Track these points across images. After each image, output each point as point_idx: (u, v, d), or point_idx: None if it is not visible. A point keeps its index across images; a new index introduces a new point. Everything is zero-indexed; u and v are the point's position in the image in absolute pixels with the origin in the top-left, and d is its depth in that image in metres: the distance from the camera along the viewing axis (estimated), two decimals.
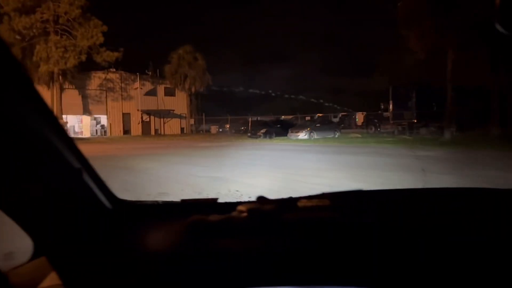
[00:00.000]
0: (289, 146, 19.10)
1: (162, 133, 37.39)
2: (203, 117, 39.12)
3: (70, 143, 0.86)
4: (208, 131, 39.35)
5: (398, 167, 9.43)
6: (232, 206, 0.97)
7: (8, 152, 0.75)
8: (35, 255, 0.93)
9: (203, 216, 0.89)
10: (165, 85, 38.05)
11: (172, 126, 38.23)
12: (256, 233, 0.86)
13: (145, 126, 36.81)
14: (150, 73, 37.60)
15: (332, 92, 50.80)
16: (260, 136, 26.00)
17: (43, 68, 26.08)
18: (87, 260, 0.86)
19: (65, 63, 26.35)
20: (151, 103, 37.08)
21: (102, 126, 35.24)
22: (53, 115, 0.80)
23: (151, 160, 12.62)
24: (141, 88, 36.20)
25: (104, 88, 34.73)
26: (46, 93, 29.48)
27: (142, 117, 36.42)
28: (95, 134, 35.14)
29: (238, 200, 1.04)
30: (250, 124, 34.25)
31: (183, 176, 8.48)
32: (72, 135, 31.64)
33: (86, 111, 34.27)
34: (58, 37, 26.67)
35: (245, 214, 0.91)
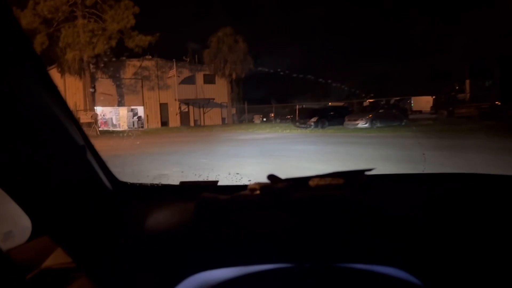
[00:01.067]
0: (351, 138, 15.30)
1: (202, 124, 34.64)
2: (245, 105, 35.88)
3: (74, 120, 0.87)
4: (251, 120, 36.10)
5: None
6: (232, 189, 0.95)
7: (9, 126, 0.73)
8: (33, 235, 0.92)
9: (213, 194, 0.88)
10: (204, 72, 35.15)
11: (212, 116, 35.35)
12: (269, 210, 0.85)
13: (184, 116, 34.19)
14: (188, 59, 34.83)
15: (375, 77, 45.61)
16: (310, 125, 22.30)
17: (69, 54, 23.90)
18: (90, 238, 0.85)
19: (93, 49, 23.98)
20: (190, 92, 34.35)
21: (139, 118, 33.01)
22: (58, 91, 0.81)
23: (173, 162, 9.44)
24: (179, 76, 33.50)
25: (140, 77, 32.36)
26: (78, 83, 27.48)
27: (180, 107, 33.80)
28: (132, 126, 33.02)
29: (238, 183, 0.99)
30: (297, 112, 30.57)
31: None
32: (110, 128, 29.87)
33: (122, 102, 32.12)
34: (85, 21, 24.32)
35: (257, 192, 0.89)
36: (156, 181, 1.27)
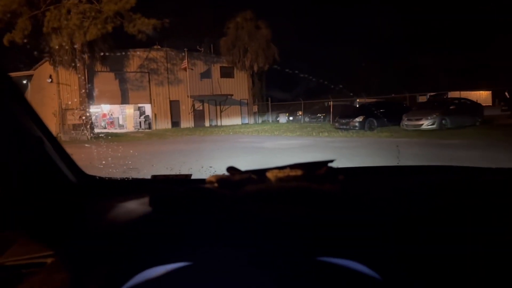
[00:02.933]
0: (434, 148, 10.30)
1: (219, 124, 30.07)
2: (269, 102, 30.97)
3: (29, 109, 0.85)
4: (275, 120, 31.29)
5: None
6: (204, 182, 0.93)
7: None
8: None
9: (171, 188, 0.87)
10: (221, 64, 30.51)
11: (231, 114, 30.72)
12: (225, 203, 0.82)
13: (198, 115, 29.63)
14: (202, 49, 30.25)
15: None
16: (354, 126, 17.36)
17: (54, 41, 19.58)
18: (49, 232, 0.83)
19: (85, 35, 19.59)
20: (205, 87, 29.79)
21: (146, 118, 28.61)
22: (10, 80, 0.79)
23: None
24: (192, 69, 28.98)
25: (146, 70, 27.94)
26: (73, 78, 23.24)
27: (193, 105, 29.28)
28: (138, 127, 28.75)
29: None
30: (331, 110, 25.59)
31: None
32: (116, 129, 25.77)
33: (126, 99, 27.78)
34: (76, 1, 19.97)
35: (215, 184, 0.87)
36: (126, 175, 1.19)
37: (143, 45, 27.83)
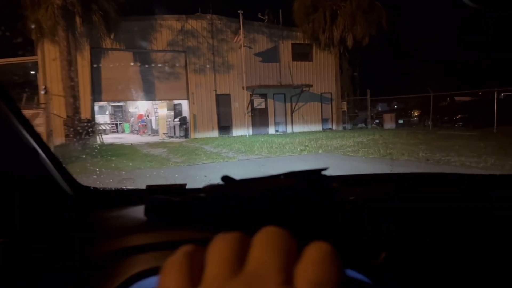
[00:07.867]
0: None
1: (289, 130, 20.06)
2: (368, 97, 20.13)
3: (23, 120, 0.84)
4: (376, 122, 20.53)
5: None
6: (200, 191, 0.96)
7: None
8: None
9: (164, 196, 0.88)
10: (293, 40, 20.41)
11: (307, 115, 20.54)
12: (219, 212, 0.85)
13: (258, 118, 19.81)
14: (265, 18, 20.34)
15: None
16: None
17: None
18: (46, 243, 0.85)
19: None
20: (269, 75, 19.90)
21: (183, 120, 19.25)
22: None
23: None
24: (250, 47, 19.24)
25: (182, 49, 18.61)
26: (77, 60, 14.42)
27: (252, 102, 19.49)
28: (172, 133, 19.61)
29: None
30: (496, 108, 14.42)
31: None
32: (150, 135, 16.67)
33: (150, 92, 18.62)
34: None
35: (210, 194, 0.88)
36: (121, 186, 1.21)
37: (178, 12, 18.64)
